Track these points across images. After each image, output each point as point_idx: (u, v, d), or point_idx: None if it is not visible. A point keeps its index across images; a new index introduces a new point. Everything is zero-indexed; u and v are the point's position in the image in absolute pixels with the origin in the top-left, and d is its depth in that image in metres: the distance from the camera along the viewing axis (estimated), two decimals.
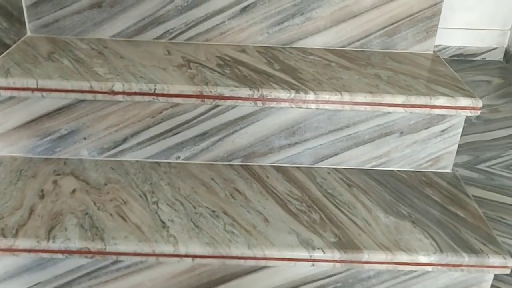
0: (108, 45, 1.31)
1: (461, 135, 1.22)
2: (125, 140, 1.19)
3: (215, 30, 1.35)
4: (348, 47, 1.37)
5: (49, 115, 1.16)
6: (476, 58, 3.57)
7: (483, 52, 3.52)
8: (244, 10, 1.33)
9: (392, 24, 1.34)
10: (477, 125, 2.24)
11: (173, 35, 1.35)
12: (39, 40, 1.32)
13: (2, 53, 1.22)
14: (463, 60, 3.50)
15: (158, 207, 1.06)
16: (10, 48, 1.25)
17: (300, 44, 1.36)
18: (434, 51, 1.38)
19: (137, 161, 1.21)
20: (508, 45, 2.96)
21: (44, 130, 1.18)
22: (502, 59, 3.21)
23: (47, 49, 1.27)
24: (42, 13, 1.32)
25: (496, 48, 3.54)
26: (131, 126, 1.18)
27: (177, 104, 1.15)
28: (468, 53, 3.53)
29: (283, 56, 1.31)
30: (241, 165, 1.21)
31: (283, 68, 1.23)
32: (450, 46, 3.42)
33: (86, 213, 1.03)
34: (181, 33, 1.35)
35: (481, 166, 1.46)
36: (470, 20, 3.40)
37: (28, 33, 1.34)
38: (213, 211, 1.05)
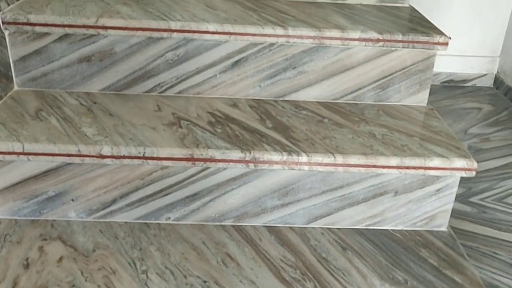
0: (97, 99, 1.29)
1: None
2: (114, 201, 1.16)
3: (206, 83, 1.33)
4: (341, 99, 1.35)
5: (36, 177, 1.13)
6: (466, 84, 3.59)
7: (473, 78, 3.54)
8: (235, 64, 1.31)
9: (385, 77, 1.33)
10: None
11: (163, 88, 1.33)
12: (26, 94, 1.29)
13: None
14: (453, 87, 3.51)
15: (147, 277, 1.03)
16: None
17: (293, 97, 1.35)
18: (427, 103, 1.37)
19: (126, 222, 1.18)
20: (497, 71, 2.98)
21: (30, 192, 1.15)
22: (492, 85, 3.23)
23: (35, 106, 1.24)
24: (30, 67, 1.30)
25: (486, 74, 3.55)
26: (120, 188, 1.15)
27: (167, 166, 1.12)
28: (459, 79, 3.55)
29: (276, 111, 1.29)
30: (233, 225, 1.19)
31: (275, 126, 1.21)
32: (440, 72, 3.43)
33: (73, 285, 1.00)
34: (171, 86, 1.33)
35: (474, 199, 1.45)
36: (460, 46, 3.42)
37: (16, 87, 1.31)
38: (204, 281, 1.02)
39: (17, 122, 1.16)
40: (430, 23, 1.36)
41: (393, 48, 1.29)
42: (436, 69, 3.35)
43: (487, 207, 1.42)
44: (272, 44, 1.29)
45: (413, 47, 1.28)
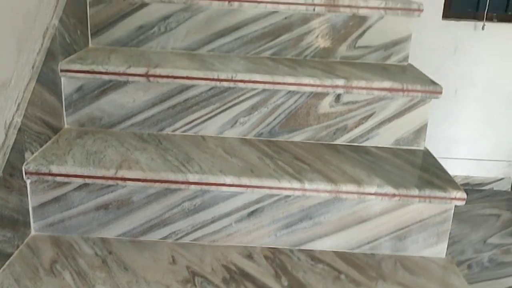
0: (112, 248, 1.29)
1: (474, 281, 1.14)
2: None
3: (221, 232, 1.32)
4: (358, 249, 1.34)
5: None
6: (483, 188, 3.56)
7: (490, 182, 3.52)
8: (251, 214, 1.31)
9: (402, 228, 1.32)
10: (490, 269, 2.15)
11: (179, 236, 1.33)
12: (43, 241, 1.30)
13: (4, 263, 1.19)
14: (470, 190, 3.48)
15: None
16: (12, 256, 1.22)
17: (309, 246, 1.33)
18: (446, 255, 1.34)
19: None
20: None
21: None
22: (510, 189, 3.20)
23: (50, 256, 1.24)
24: (48, 213, 1.31)
25: (503, 178, 3.53)
26: None
27: None
28: (475, 182, 3.52)
29: (291, 264, 1.27)
30: None
31: (291, 283, 1.19)
32: (456, 176, 3.42)
33: None
34: (187, 234, 1.33)
35: None
36: (475, 151, 3.43)
37: (33, 232, 1.32)
38: None
39: (31, 278, 1.16)
40: (447, 173, 1.36)
41: (410, 202, 1.29)
42: (452, 172, 3.35)
43: None
44: (288, 196, 1.29)
45: (430, 202, 1.27)
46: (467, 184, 3.44)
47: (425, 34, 3.03)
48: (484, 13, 3.13)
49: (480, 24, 3.16)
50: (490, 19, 3.16)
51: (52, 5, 1.38)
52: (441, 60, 3.21)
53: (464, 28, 3.19)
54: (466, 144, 3.34)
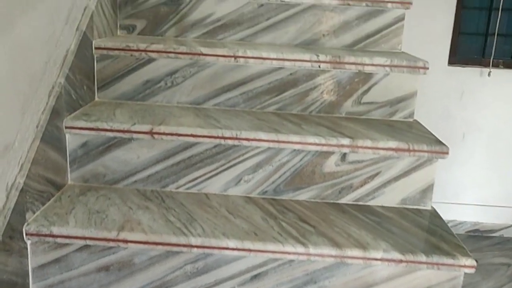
0: None
1: None
2: None
3: None
4: None
5: None
6: (493, 235, 3.49)
7: (500, 229, 3.46)
8: (255, 277, 1.28)
9: None
10: None
11: None
12: None
13: None
14: (480, 237, 3.42)
15: None
16: None
17: None
18: None
19: None
20: None
21: None
22: None
23: None
24: (48, 274, 1.29)
25: None
26: None
27: None
28: (485, 229, 3.47)
29: None
30: None
31: None
32: (465, 221, 3.37)
33: None
34: None
35: None
36: (484, 196, 3.39)
37: None
38: None
39: None
40: (455, 237, 1.33)
41: (417, 268, 1.25)
42: (461, 218, 3.30)
43: None
44: (292, 260, 1.27)
45: (438, 269, 1.24)
46: (476, 230, 3.38)
47: (431, 80, 3.04)
48: (490, 60, 3.14)
49: (486, 70, 3.17)
50: (496, 65, 3.17)
51: (58, 64, 1.40)
52: (447, 105, 3.21)
53: (470, 74, 3.19)
54: (474, 189, 3.30)
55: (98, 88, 1.67)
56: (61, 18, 1.39)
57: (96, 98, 1.67)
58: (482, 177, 3.32)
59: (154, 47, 1.62)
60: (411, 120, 1.67)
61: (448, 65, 3.20)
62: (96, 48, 1.62)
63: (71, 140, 1.47)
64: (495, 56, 3.15)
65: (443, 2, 3.07)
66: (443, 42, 3.15)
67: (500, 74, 3.18)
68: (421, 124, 1.63)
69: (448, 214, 3.12)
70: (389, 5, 1.79)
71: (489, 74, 3.15)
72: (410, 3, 1.79)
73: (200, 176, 1.48)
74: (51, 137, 1.35)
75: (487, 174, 3.33)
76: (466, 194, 3.39)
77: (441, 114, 3.22)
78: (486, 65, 3.17)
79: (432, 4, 3.04)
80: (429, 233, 1.36)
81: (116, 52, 1.63)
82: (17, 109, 1.19)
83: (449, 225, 1.35)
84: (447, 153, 1.41)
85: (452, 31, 3.18)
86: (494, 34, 3.14)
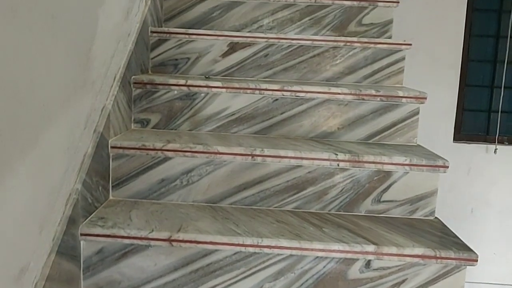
0: None
1: None
2: None
3: None
4: None
5: None
6: None
7: None
8: None
9: None
10: None
11: None
12: None
13: None
14: None
15: None
16: None
17: None
18: None
19: None
20: None
21: None
22: None
23: None
24: None
25: None
26: None
27: None
28: None
29: None
30: None
31: None
32: None
33: None
34: None
35: None
36: (497, 274, 3.31)
37: None
38: None
39: None
40: None
41: None
42: None
43: None
44: None
45: None
46: None
47: None
48: (495, 137, 3.15)
49: (491, 146, 3.18)
50: (501, 142, 3.18)
51: (76, 170, 1.37)
52: (455, 181, 3.19)
53: (476, 150, 3.20)
54: (486, 266, 3.23)
55: (112, 187, 1.63)
56: (80, 125, 1.37)
57: (110, 197, 1.64)
58: (494, 254, 3.26)
59: (170, 146, 1.60)
60: (432, 218, 1.63)
61: (453, 142, 3.21)
62: (112, 147, 1.60)
63: (86, 247, 1.42)
64: (499, 133, 3.17)
65: (445, 80, 3.12)
66: (447, 118, 3.17)
67: (506, 150, 3.18)
68: (443, 224, 1.59)
69: None
70: (404, 100, 1.80)
71: (495, 152, 3.16)
72: (425, 98, 1.80)
73: (219, 284, 1.43)
74: (66, 247, 1.31)
75: (499, 250, 3.26)
76: (478, 271, 3.31)
77: (449, 189, 3.20)
78: (491, 141, 3.18)
79: (435, 81, 3.09)
80: None
81: (132, 151, 1.61)
82: (35, 230, 1.15)
83: None
84: (476, 260, 1.37)
85: (456, 108, 3.21)
86: (497, 111, 3.17)
